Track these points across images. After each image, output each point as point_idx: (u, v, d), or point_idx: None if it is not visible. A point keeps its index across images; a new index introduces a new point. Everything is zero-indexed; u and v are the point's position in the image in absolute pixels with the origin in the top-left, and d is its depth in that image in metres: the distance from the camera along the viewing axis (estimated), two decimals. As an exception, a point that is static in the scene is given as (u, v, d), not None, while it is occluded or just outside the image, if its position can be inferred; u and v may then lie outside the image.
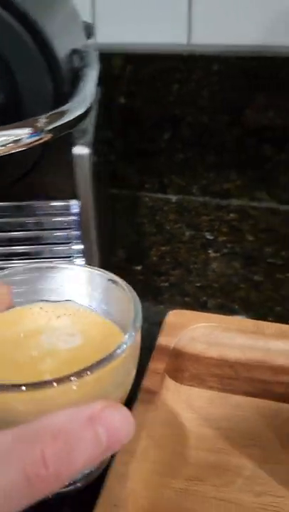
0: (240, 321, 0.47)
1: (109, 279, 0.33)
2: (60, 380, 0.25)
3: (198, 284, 0.56)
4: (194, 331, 0.45)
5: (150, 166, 0.72)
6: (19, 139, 0.35)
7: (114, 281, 0.32)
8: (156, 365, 0.41)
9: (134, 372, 0.31)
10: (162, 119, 0.69)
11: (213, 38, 0.66)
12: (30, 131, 0.35)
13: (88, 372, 0.25)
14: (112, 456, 0.33)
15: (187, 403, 0.39)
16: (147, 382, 0.39)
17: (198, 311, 0.48)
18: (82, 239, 0.47)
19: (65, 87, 0.41)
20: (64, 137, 0.38)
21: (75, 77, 0.42)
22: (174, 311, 0.46)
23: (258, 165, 0.69)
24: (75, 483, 0.33)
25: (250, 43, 0.65)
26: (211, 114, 0.68)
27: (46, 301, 0.34)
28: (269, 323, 0.46)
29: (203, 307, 0.53)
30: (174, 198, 0.72)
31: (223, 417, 0.39)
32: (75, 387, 0.25)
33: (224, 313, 0.49)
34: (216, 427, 0.38)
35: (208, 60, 0.65)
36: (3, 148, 0.34)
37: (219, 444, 0.37)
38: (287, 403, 0.39)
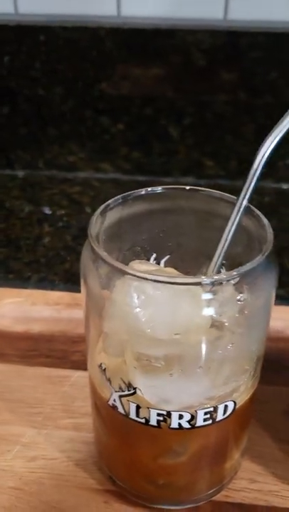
0: (46, 294, 0.50)
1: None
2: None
3: (25, 260, 0.56)
4: (2, 307, 0.48)
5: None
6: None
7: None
8: None
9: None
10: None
11: (40, 8, 0.64)
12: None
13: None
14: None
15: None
16: None
17: (19, 287, 0.51)
18: None
19: None
20: None
21: None
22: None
23: (97, 136, 0.69)
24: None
25: (74, 13, 0.64)
26: (45, 86, 0.66)
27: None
28: (75, 294, 0.48)
29: (25, 283, 0.53)
30: (21, 173, 0.71)
31: (14, 389, 0.41)
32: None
33: (44, 288, 0.51)
34: (4, 398, 0.40)
35: (34, 30, 0.63)
36: None
37: (4, 415, 0.39)
38: (80, 370, 0.41)
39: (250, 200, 0.28)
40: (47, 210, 0.64)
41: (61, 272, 0.54)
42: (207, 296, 0.26)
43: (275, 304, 0.51)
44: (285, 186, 0.68)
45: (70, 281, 0.53)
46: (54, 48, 0.64)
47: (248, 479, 0.35)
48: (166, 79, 0.64)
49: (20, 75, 0.66)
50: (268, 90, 0.63)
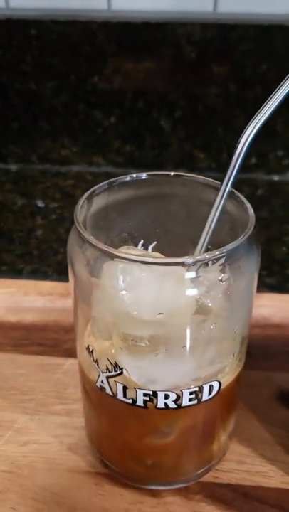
0: (39, 284, 0.50)
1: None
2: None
3: (18, 253, 0.57)
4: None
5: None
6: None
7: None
8: None
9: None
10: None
11: (31, 2, 0.65)
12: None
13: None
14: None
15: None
16: None
17: (11, 278, 0.51)
18: None
19: None
20: None
21: None
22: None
23: (90, 130, 0.69)
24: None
25: (65, 7, 0.65)
26: (37, 80, 0.67)
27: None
28: (68, 284, 0.49)
29: (18, 274, 0.54)
30: (13, 167, 0.72)
31: (7, 377, 0.41)
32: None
33: (36, 279, 0.52)
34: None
35: (25, 24, 0.64)
36: None
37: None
38: (73, 357, 0.41)
39: (233, 185, 0.29)
40: (40, 203, 0.65)
41: (54, 264, 0.55)
42: (190, 275, 0.26)
43: (265, 291, 0.52)
44: (276, 178, 0.69)
45: (64, 273, 0.53)
46: (45, 42, 0.64)
47: (237, 461, 0.35)
48: (157, 72, 0.65)
49: (12, 70, 0.66)
50: (259, 83, 0.64)
